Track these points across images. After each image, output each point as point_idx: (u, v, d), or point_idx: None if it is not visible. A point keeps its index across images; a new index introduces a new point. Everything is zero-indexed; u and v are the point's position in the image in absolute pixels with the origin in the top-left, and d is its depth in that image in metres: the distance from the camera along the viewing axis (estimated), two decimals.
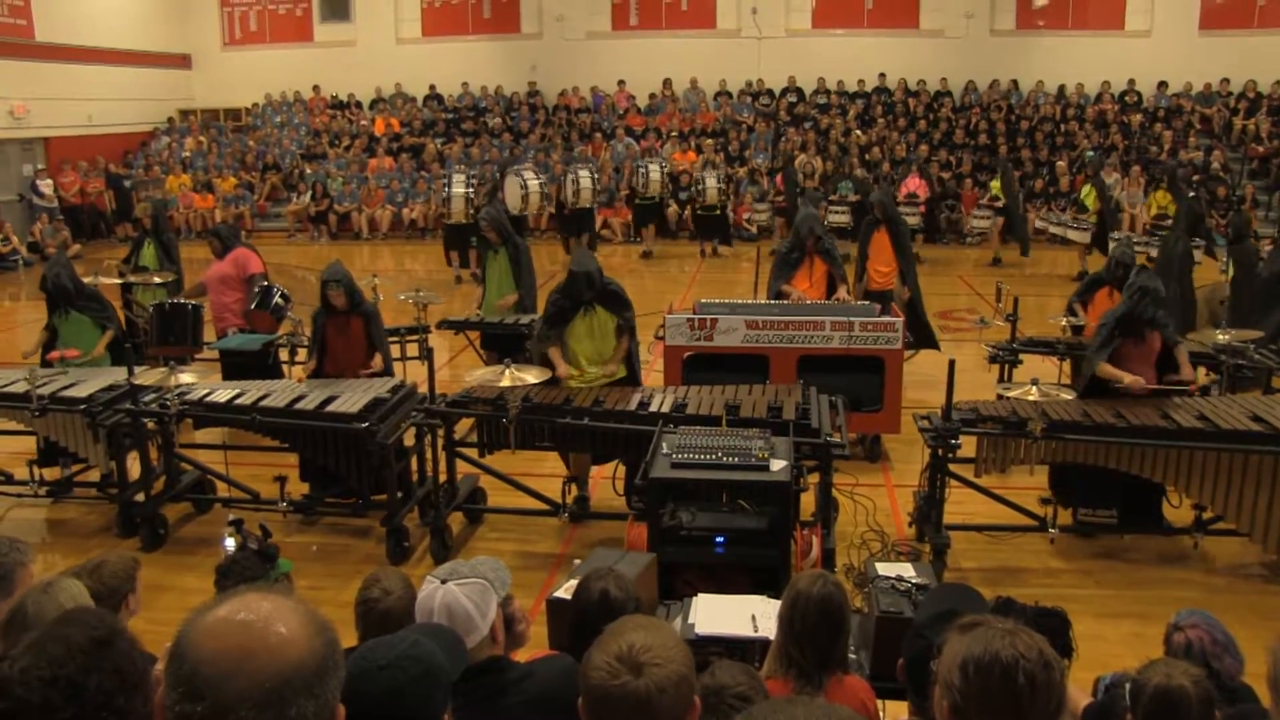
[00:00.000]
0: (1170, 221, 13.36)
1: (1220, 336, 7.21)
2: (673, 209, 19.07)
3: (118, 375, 6.85)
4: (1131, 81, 21.45)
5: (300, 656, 1.39)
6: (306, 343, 7.47)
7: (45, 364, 7.35)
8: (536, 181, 16.18)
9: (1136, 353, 6.24)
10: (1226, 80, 21.01)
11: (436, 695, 2.11)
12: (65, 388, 6.70)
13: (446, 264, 15.56)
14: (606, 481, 6.81)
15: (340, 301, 6.78)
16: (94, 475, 7.10)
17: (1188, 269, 9.24)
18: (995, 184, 17.08)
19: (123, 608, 3.38)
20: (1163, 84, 21.30)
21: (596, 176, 17.16)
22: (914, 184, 17.90)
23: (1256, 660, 2.90)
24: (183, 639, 1.40)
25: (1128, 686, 2.85)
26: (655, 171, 17.52)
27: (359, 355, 6.87)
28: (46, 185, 19.29)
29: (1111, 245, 9.48)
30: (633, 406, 6.08)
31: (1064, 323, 7.89)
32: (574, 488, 6.55)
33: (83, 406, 6.50)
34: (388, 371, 7.01)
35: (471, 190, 15.29)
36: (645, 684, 1.92)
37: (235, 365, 8.09)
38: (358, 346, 6.86)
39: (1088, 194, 15.61)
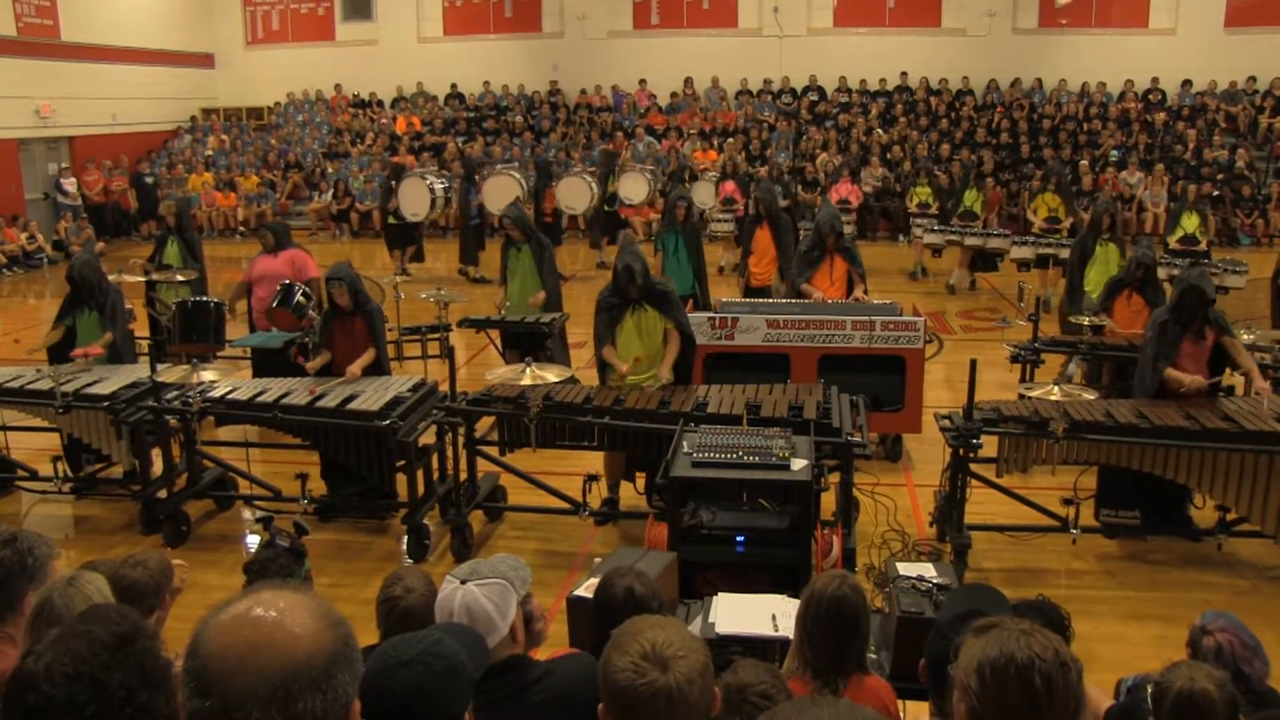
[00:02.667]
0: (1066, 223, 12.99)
1: (1245, 336, 7.15)
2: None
3: (141, 372, 6.91)
4: (1155, 80, 21.29)
5: (308, 653, 1.40)
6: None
7: (56, 361, 7.33)
8: (441, 185, 15.76)
9: (1195, 351, 6.19)
10: (1253, 78, 20.82)
11: (458, 693, 2.11)
12: (89, 385, 6.76)
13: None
14: (627, 480, 6.81)
15: (344, 300, 6.79)
16: (117, 471, 7.15)
17: (1079, 269, 9.13)
18: (1050, 198, 13.54)
19: (158, 607, 3.40)
20: (1187, 82, 21.13)
21: (651, 177, 17.13)
22: (845, 190, 16.89)
23: None
24: (197, 636, 1.42)
25: (1149, 689, 2.83)
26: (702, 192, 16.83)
27: (361, 354, 6.88)
28: (71, 184, 19.46)
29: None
30: (653, 405, 6.07)
31: (1085, 320, 7.83)
32: (595, 486, 6.55)
33: (106, 403, 6.56)
34: (384, 371, 7.02)
35: (438, 193, 15.27)
36: (674, 678, 1.94)
37: (265, 363, 8.12)
38: (361, 346, 6.87)
39: (1053, 204, 14.34)
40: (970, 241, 13.88)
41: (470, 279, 15.19)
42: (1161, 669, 2.86)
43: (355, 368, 6.76)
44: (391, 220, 15.54)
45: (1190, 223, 12.59)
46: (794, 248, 9.99)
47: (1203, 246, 12.59)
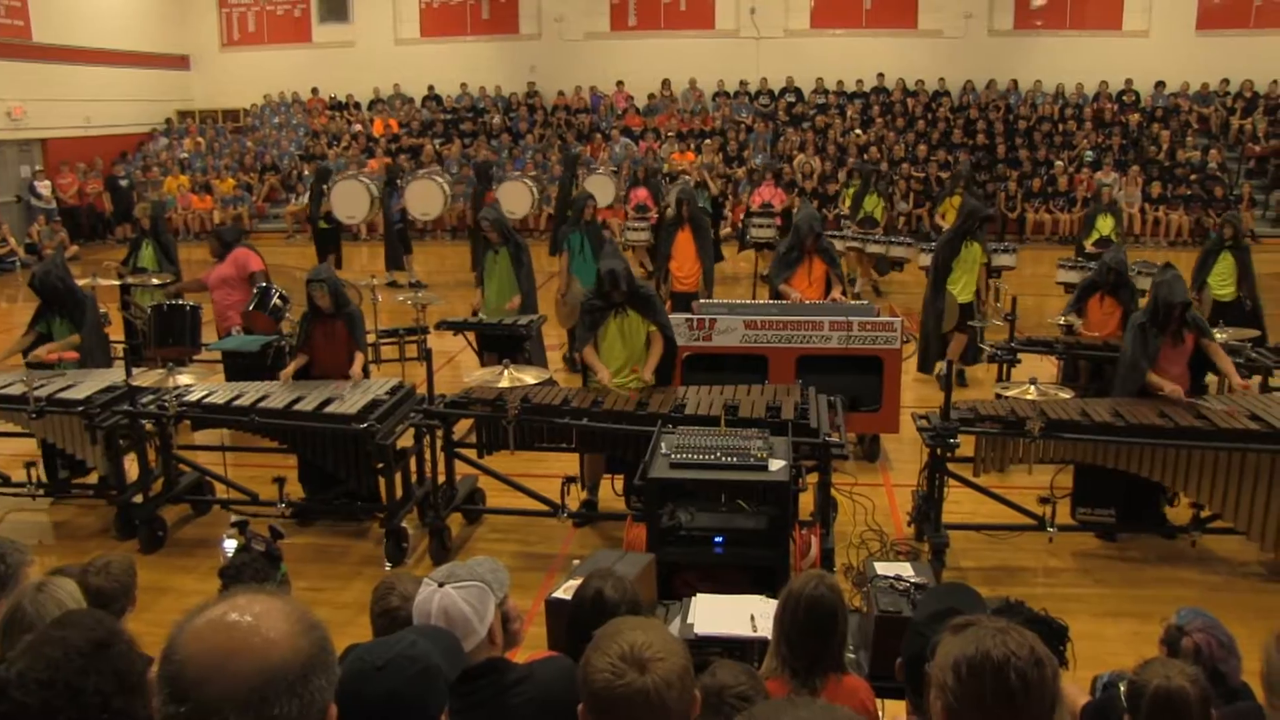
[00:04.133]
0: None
1: (1219, 335, 7.21)
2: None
3: (116, 377, 6.86)
4: (1129, 81, 21.46)
5: (283, 657, 1.40)
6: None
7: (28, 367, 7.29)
8: (375, 185, 15.57)
9: (1174, 354, 6.24)
10: (1226, 81, 21.03)
11: (434, 695, 2.11)
12: (63, 389, 6.70)
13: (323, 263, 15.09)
14: (605, 481, 6.81)
15: (325, 303, 6.78)
16: (92, 477, 7.09)
17: (943, 271, 9.17)
18: (958, 200, 12.24)
19: (129, 607, 3.40)
20: (1160, 84, 21.31)
21: (614, 179, 16.93)
22: (768, 193, 15.21)
23: (1253, 658, 2.91)
24: (172, 641, 1.41)
25: (1123, 687, 2.85)
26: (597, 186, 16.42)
27: (344, 356, 6.88)
28: (44, 186, 19.28)
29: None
30: (631, 407, 6.07)
31: (1061, 321, 7.89)
32: (573, 488, 6.54)
33: (80, 408, 6.50)
34: (364, 374, 7.01)
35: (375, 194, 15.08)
36: (652, 680, 1.94)
37: (239, 367, 8.08)
38: (342, 349, 6.87)
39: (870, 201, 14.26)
40: (872, 249, 13.58)
41: (398, 285, 14.53)
42: (1135, 666, 2.88)
43: (356, 370, 6.80)
44: (323, 224, 15.27)
45: (1105, 225, 12.31)
46: (713, 253, 10.07)
47: None
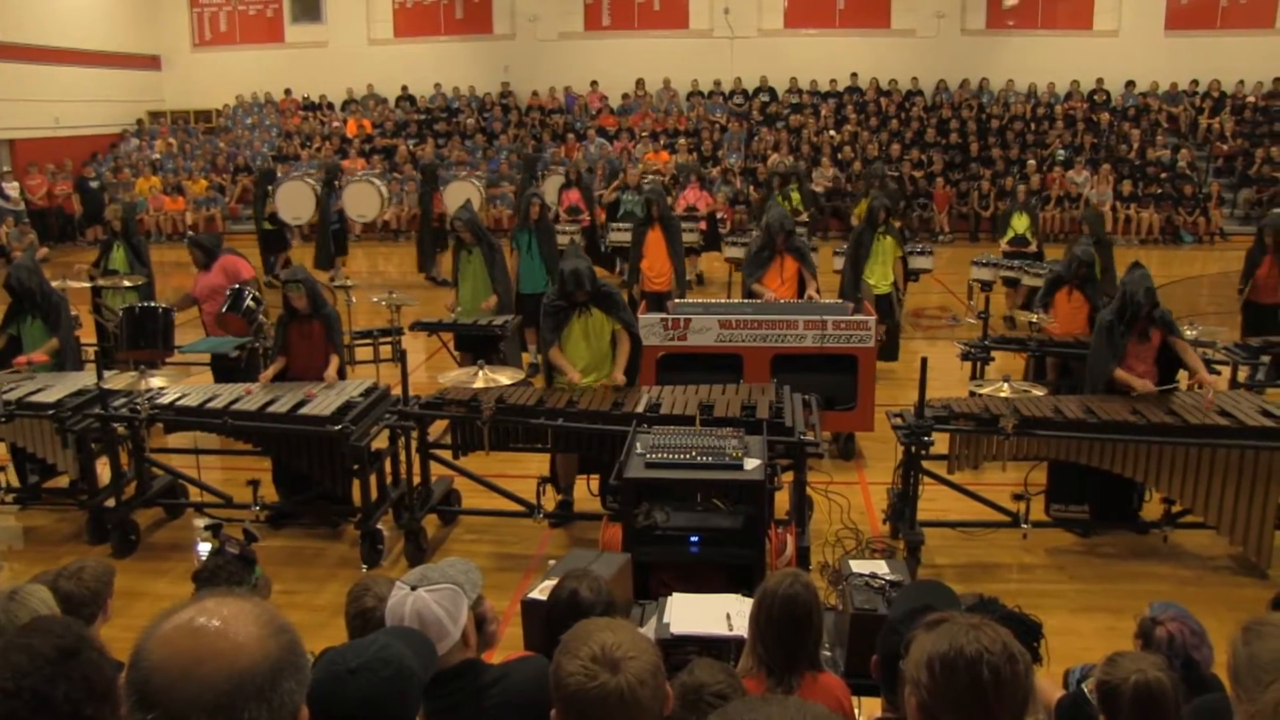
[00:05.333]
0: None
1: (1189, 332, 7.28)
2: None
3: (87, 380, 6.79)
4: (1100, 80, 21.65)
5: (252, 662, 1.39)
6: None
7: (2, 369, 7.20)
8: (319, 186, 15.28)
9: (1140, 350, 6.28)
10: (1196, 81, 21.25)
11: (407, 698, 2.11)
12: (33, 393, 6.62)
13: (266, 269, 14.64)
14: (581, 481, 6.80)
15: (302, 304, 6.74)
16: (63, 481, 7.02)
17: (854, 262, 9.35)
18: (1021, 222, 12.46)
19: (100, 614, 3.36)
20: (1130, 83, 21.52)
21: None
22: (693, 196, 14.81)
23: (1224, 651, 2.94)
24: (139, 647, 1.40)
25: (1095, 684, 2.87)
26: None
27: (320, 359, 6.83)
28: (13, 188, 19.02)
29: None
30: (606, 407, 6.07)
31: (1033, 318, 7.93)
32: (549, 489, 6.53)
33: (51, 412, 6.43)
34: (340, 375, 6.95)
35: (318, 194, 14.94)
36: (625, 679, 1.94)
37: (225, 369, 8.01)
38: (319, 350, 6.82)
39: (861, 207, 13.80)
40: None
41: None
42: (1100, 663, 2.90)
43: (331, 373, 6.74)
44: (267, 225, 15.11)
45: (1020, 223, 12.28)
46: (683, 252, 10.11)
47: (1033, 248, 12.18)
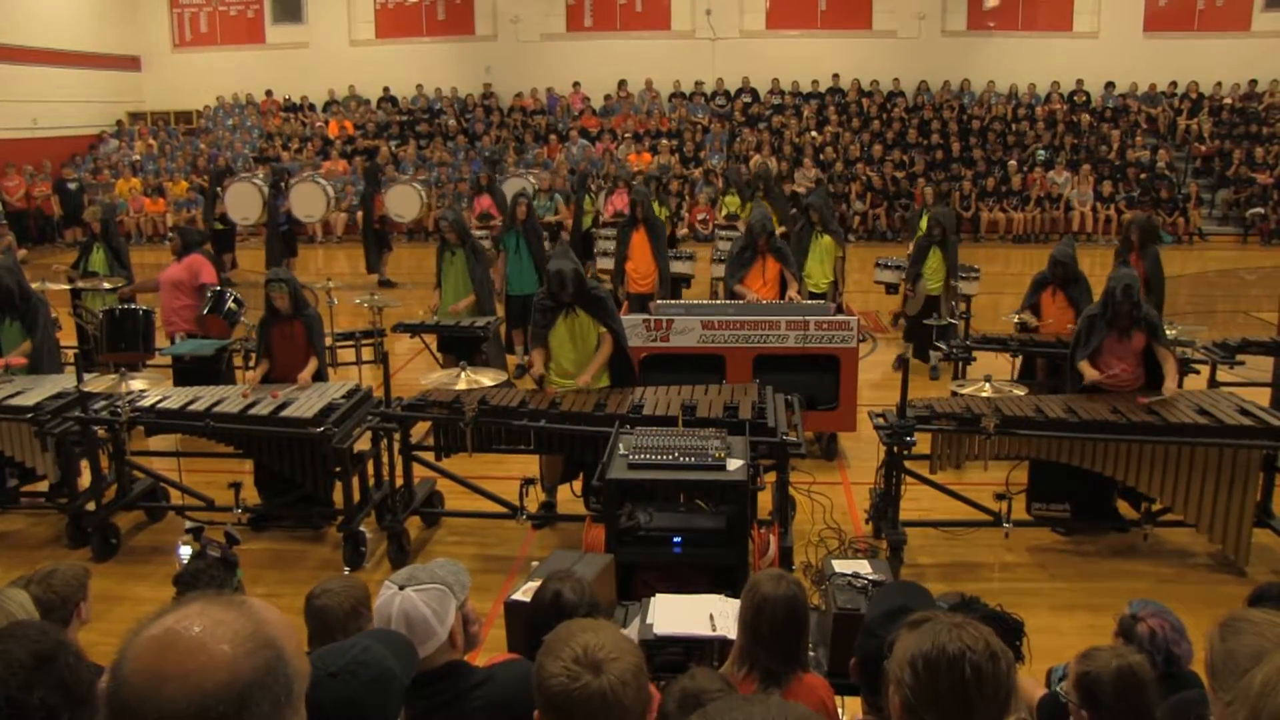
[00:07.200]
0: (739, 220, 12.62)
1: (1169, 332, 7.32)
2: None
3: (66, 382, 6.74)
4: (1080, 81, 21.77)
5: (217, 686, 1.33)
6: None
7: None
8: (266, 187, 15.33)
9: (1119, 348, 6.31)
10: (1174, 83, 21.40)
11: (388, 701, 2.10)
12: (11, 396, 6.58)
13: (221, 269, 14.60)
14: (564, 483, 6.80)
15: (283, 304, 6.71)
16: (43, 485, 6.97)
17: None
18: (731, 200, 12.64)
19: (74, 617, 3.33)
20: (1110, 84, 21.66)
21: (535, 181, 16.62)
22: (620, 202, 13.52)
23: (1203, 647, 2.95)
24: (120, 655, 1.36)
25: (1073, 679, 2.88)
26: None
27: (302, 360, 6.81)
28: None
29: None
30: (589, 408, 6.07)
31: (1016, 319, 7.97)
32: (531, 490, 6.53)
33: (30, 415, 6.39)
34: (322, 377, 6.96)
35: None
36: (608, 680, 1.94)
37: (185, 371, 7.97)
38: (301, 351, 6.80)
39: (733, 205, 13.76)
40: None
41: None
42: (1076, 657, 2.92)
43: (306, 375, 6.70)
44: (218, 225, 15.08)
45: (731, 202, 12.44)
46: (667, 253, 10.12)
47: None
